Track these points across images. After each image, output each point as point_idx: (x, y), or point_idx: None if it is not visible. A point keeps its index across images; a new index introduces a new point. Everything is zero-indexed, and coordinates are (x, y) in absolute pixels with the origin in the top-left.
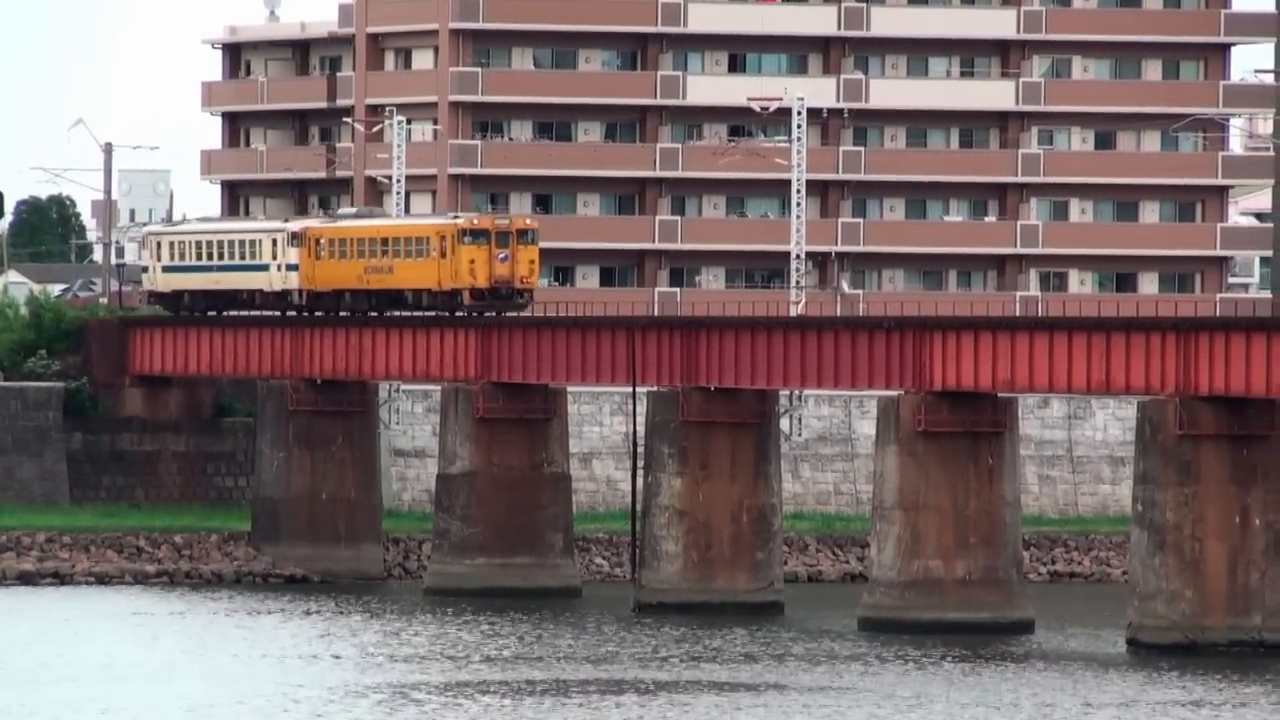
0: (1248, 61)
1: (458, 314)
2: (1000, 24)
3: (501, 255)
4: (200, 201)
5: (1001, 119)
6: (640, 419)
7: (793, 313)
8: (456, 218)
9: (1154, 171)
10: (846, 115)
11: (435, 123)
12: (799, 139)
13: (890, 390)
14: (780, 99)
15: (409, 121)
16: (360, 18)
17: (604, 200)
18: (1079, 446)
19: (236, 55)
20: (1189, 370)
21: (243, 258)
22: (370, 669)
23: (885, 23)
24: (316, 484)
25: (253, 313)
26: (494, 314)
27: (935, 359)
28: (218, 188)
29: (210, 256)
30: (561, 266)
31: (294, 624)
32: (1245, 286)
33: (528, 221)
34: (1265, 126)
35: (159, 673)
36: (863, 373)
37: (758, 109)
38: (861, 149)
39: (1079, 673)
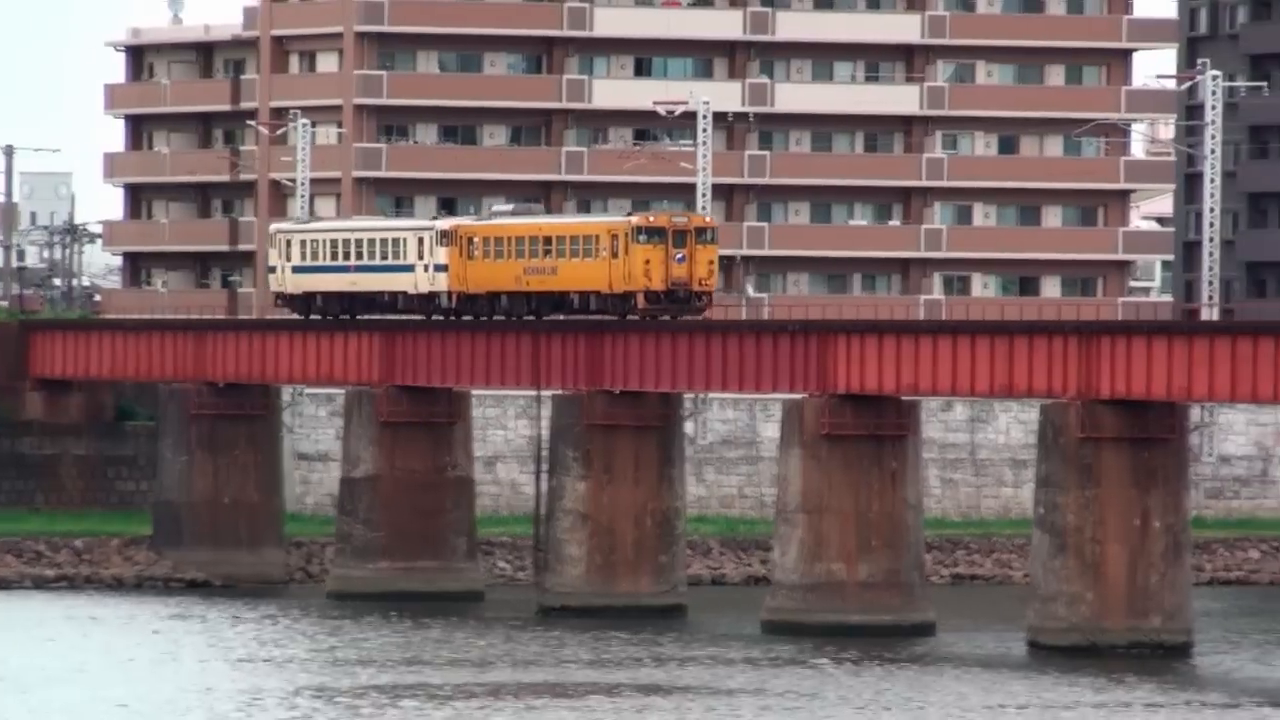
0: (1150, 67)
1: (630, 318)
2: (905, 29)
3: (679, 255)
4: (102, 205)
5: (906, 123)
6: (544, 422)
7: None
8: (630, 215)
9: (1057, 176)
10: (752, 119)
11: (340, 126)
12: (704, 142)
13: (794, 393)
14: (685, 103)
15: (313, 125)
16: (264, 20)
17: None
18: (981, 449)
19: (139, 58)
20: (1090, 374)
21: (384, 258)
22: (269, 673)
23: (790, 27)
24: (218, 488)
25: (395, 316)
26: (670, 318)
27: (839, 362)
28: (120, 191)
29: (347, 256)
30: None
31: (193, 627)
32: (1146, 290)
33: (707, 219)
34: (1167, 132)
35: (50, 678)
36: (767, 376)
37: (663, 113)
38: (766, 153)
39: (980, 675)
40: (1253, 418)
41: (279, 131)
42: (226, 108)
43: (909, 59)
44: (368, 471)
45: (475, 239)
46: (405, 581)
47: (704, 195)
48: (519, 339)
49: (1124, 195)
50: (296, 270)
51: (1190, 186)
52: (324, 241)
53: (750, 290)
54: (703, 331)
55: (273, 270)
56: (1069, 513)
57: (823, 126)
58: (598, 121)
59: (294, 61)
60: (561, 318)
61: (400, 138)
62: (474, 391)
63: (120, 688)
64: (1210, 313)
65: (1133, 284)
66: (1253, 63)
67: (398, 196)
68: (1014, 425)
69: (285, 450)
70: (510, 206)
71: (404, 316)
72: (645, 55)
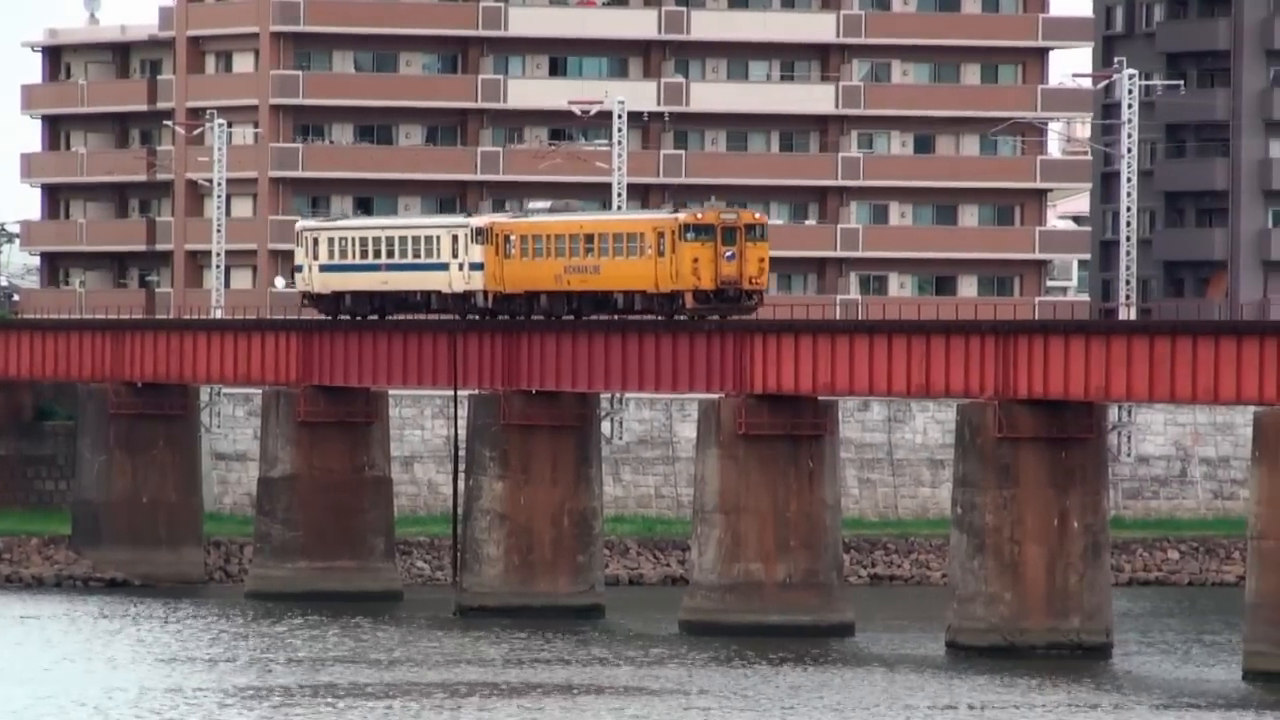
0: (1065, 66)
1: (679, 318)
2: (820, 28)
3: (728, 253)
4: (20, 205)
5: (821, 122)
6: (462, 422)
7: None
8: (677, 211)
9: (973, 175)
10: (667, 118)
11: (256, 126)
12: (620, 142)
13: (711, 393)
14: (601, 102)
15: (230, 125)
16: (180, 21)
17: (425, 203)
18: (899, 449)
19: (56, 58)
20: (1008, 373)
21: (417, 256)
22: (185, 672)
23: (705, 26)
24: (137, 487)
25: (428, 316)
26: (719, 318)
27: (756, 362)
28: (38, 191)
29: (378, 255)
30: None
31: (111, 626)
32: (1064, 290)
33: (756, 216)
34: (1083, 130)
35: None
36: (684, 376)
37: (578, 112)
38: (682, 152)
39: (898, 675)
40: (1171, 418)
41: (195, 131)
42: (143, 108)
43: (824, 58)
44: (286, 471)
45: (513, 236)
46: (324, 581)
47: (619, 195)
48: (436, 339)
49: (1040, 194)
50: (324, 269)
51: (1107, 186)
52: (354, 239)
53: None
54: (619, 331)
55: (299, 269)
56: (987, 513)
57: (738, 126)
58: (513, 121)
59: (210, 61)
60: (607, 318)
61: (316, 138)
62: (391, 391)
63: (46, 686)
64: (1127, 312)
65: (1050, 283)
66: (1169, 61)
67: (314, 196)
68: (931, 425)
69: (204, 450)
70: (548, 204)
71: (436, 316)
72: (560, 55)
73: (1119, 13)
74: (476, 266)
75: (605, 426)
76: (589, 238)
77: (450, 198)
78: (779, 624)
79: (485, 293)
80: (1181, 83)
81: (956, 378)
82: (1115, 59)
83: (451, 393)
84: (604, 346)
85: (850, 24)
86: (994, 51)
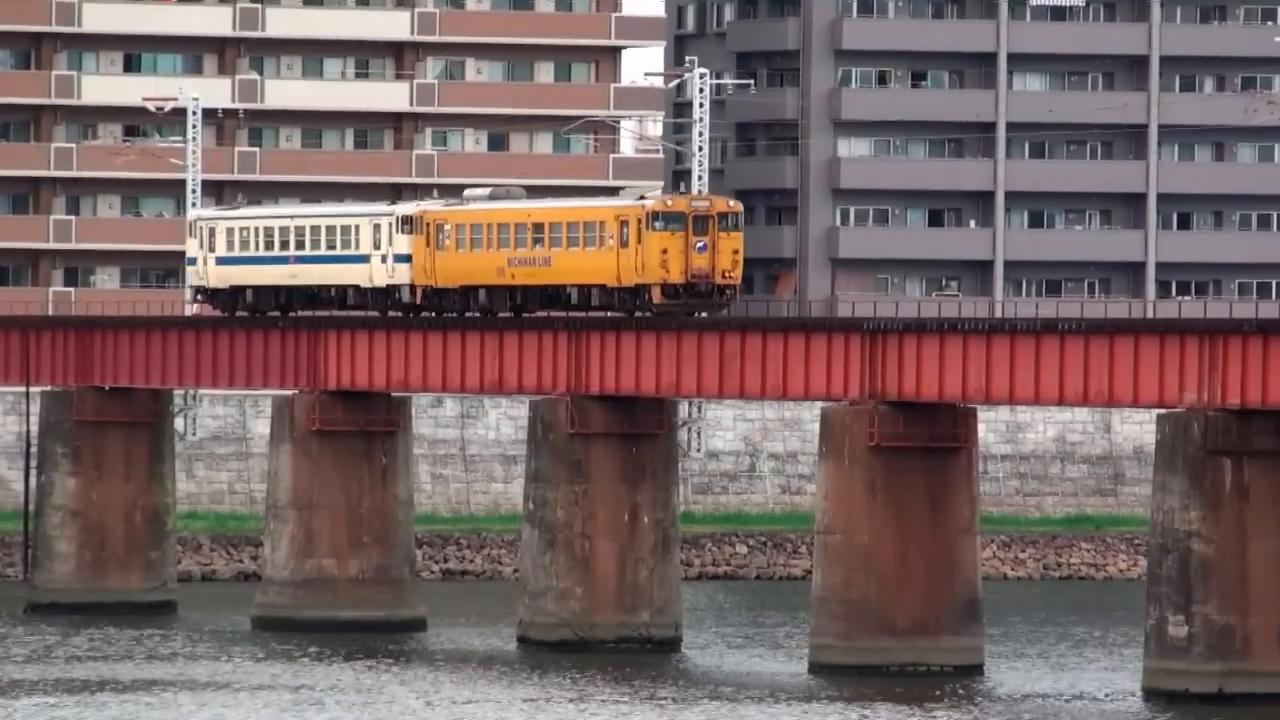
0: (638, 64)
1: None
2: (395, 25)
3: (699, 244)
4: None
5: (396, 120)
6: (34, 418)
7: (188, 312)
8: (644, 198)
9: (546, 172)
10: (242, 115)
11: None
12: (194, 139)
13: (285, 390)
14: (176, 99)
15: None
16: None
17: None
18: (471, 445)
19: None
20: (580, 370)
21: (331, 247)
22: None
23: (280, 23)
24: None
25: (345, 313)
26: (690, 314)
27: (330, 358)
28: None
29: (285, 246)
30: None
31: None
32: None
33: (729, 204)
34: (655, 129)
35: None
36: (258, 372)
37: (153, 109)
38: (257, 149)
39: (469, 670)
40: (740, 414)
41: None
42: None
43: (399, 56)
44: None
45: (447, 226)
46: None
47: (194, 192)
48: (8, 335)
49: (613, 192)
50: (222, 262)
51: (678, 183)
52: (257, 229)
53: None
54: (193, 328)
55: (192, 263)
56: (559, 508)
57: (313, 123)
58: (87, 118)
59: None
60: (550, 314)
61: None
62: None
63: None
64: None
65: None
66: (739, 61)
67: None
68: (504, 421)
69: None
70: (488, 190)
71: (353, 313)
72: (135, 51)
73: (690, 12)
74: (402, 258)
75: (179, 422)
76: (538, 227)
77: (22, 195)
78: (352, 619)
79: (412, 287)
80: (752, 82)
81: (529, 375)
82: (687, 58)
83: (24, 389)
84: (178, 343)
85: (425, 22)
86: (567, 50)
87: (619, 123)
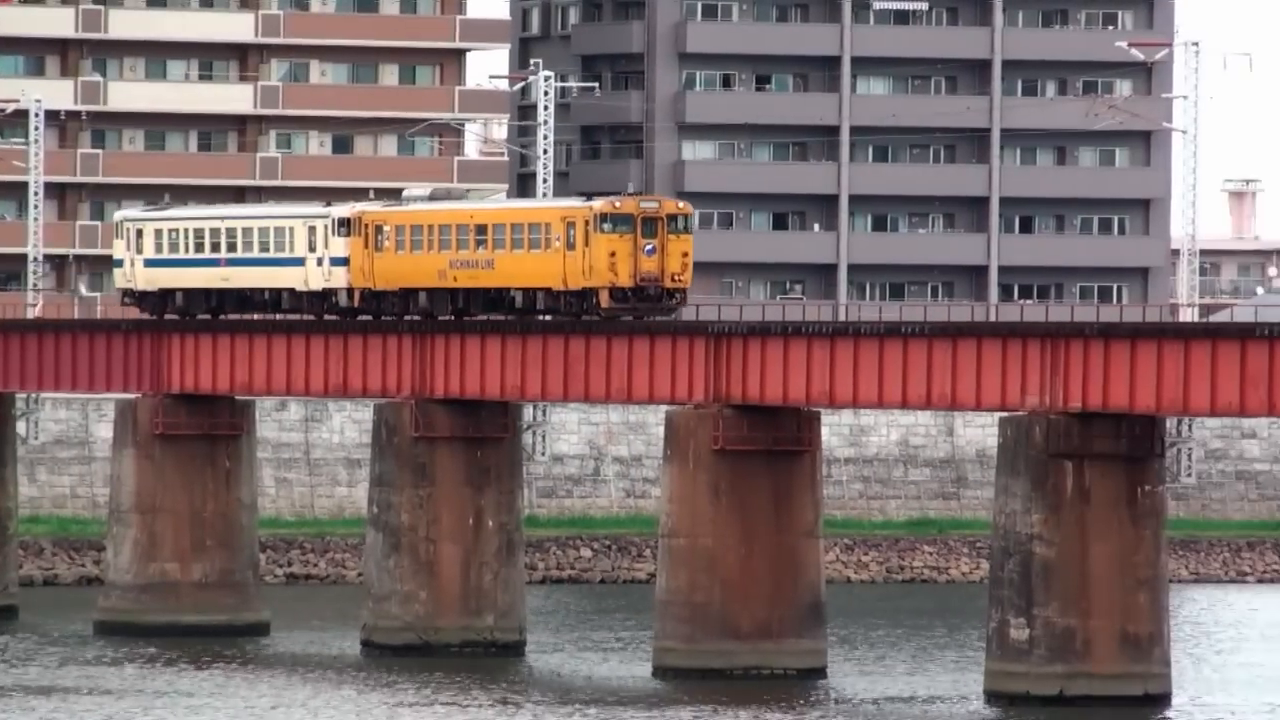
0: (483, 67)
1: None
2: (239, 27)
3: (648, 247)
4: None
5: (240, 122)
6: None
7: (30, 315)
8: (590, 199)
9: (391, 175)
10: (85, 117)
11: None
12: (36, 141)
13: (128, 393)
14: (18, 101)
15: None
16: None
17: None
18: (316, 449)
19: None
20: (425, 373)
21: (265, 250)
22: None
23: (124, 25)
24: None
25: (281, 316)
26: (639, 319)
27: (173, 362)
28: None
29: (217, 248)
30: None
31: None
32: None
33: (679, 206)
34: (499, 131)
35: None
36: (100, 375)
37: None
38: (100, 151)
39: (312, 674)
40: (585, 417)
41: None
42: None
43: (243, 58)
44: None
45: (386, 228)
46: None
47: (36, 194)
48: None
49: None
50: (150, 264)
51: (523, 186)
52: (186, 231)
53: (84, 289)
54: (35, 330)
55: (119, 265)
56: (403, 512)
57: (156, 125)
58: None
59: None
60: (499, 318)
61: None
62: None
63: None
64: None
65: None
66: (584, 63)
67: None
68: (349, 425)
69: None
70: (428, 190)
71: (289, 317)
72: None
73: (535, 15)
74: (339, 261)
75: (20, 427)
76: (481, 229)
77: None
78: (195, 624)
79: (350, 290)
80: (596, 85)
81: (374, 378)
82: (531, 61)
83: None
84: (20, 346)
85: (269, 24)
86: (412, 53)
87: (464, 126)
